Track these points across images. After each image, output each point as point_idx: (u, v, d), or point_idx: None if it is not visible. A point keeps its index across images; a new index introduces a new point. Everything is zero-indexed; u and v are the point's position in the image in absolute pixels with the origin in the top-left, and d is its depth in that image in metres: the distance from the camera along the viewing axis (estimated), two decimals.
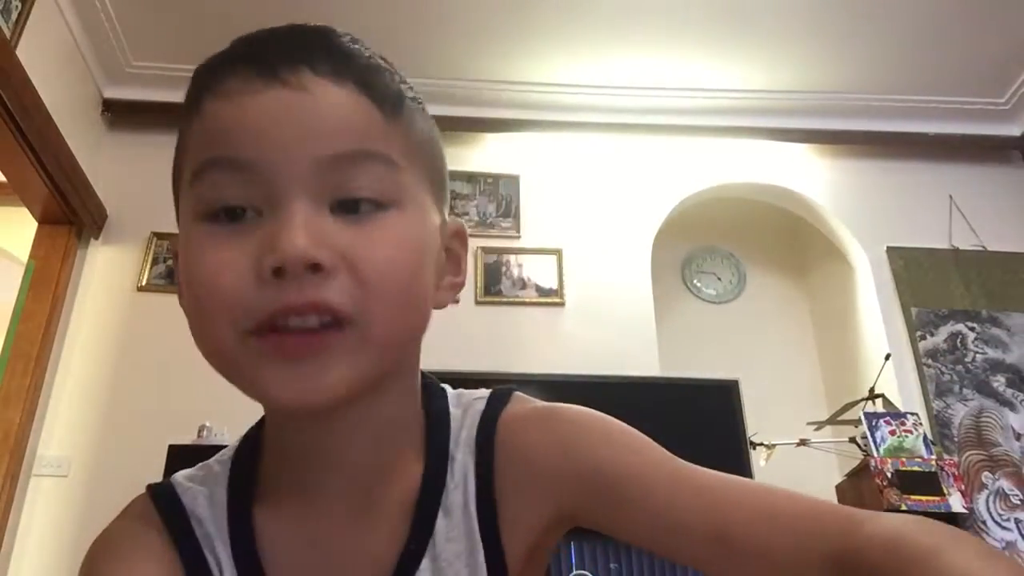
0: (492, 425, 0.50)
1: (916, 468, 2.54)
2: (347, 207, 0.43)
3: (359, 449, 0.48)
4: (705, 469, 0.48)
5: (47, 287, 2.84)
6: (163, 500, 0.52)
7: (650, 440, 0.50)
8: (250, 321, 0.41)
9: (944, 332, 3.13)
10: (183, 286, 0.47)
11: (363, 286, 0.42)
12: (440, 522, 0.48)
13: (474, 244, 3.16)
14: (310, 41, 0.48)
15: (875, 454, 2.61)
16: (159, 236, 3.08)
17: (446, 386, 0.55)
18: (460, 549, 0.47)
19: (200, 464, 0.54)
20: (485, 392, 0.54)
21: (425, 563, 0.47)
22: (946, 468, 2.55)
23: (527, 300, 3.08)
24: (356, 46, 0.49)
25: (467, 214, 3.23)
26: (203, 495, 0.51)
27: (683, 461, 0.49)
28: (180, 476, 0.54)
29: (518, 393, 0.54)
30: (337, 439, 0.48)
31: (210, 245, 0.43)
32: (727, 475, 0.47)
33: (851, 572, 0.39)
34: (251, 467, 0.51)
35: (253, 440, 0.53)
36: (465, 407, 0.53)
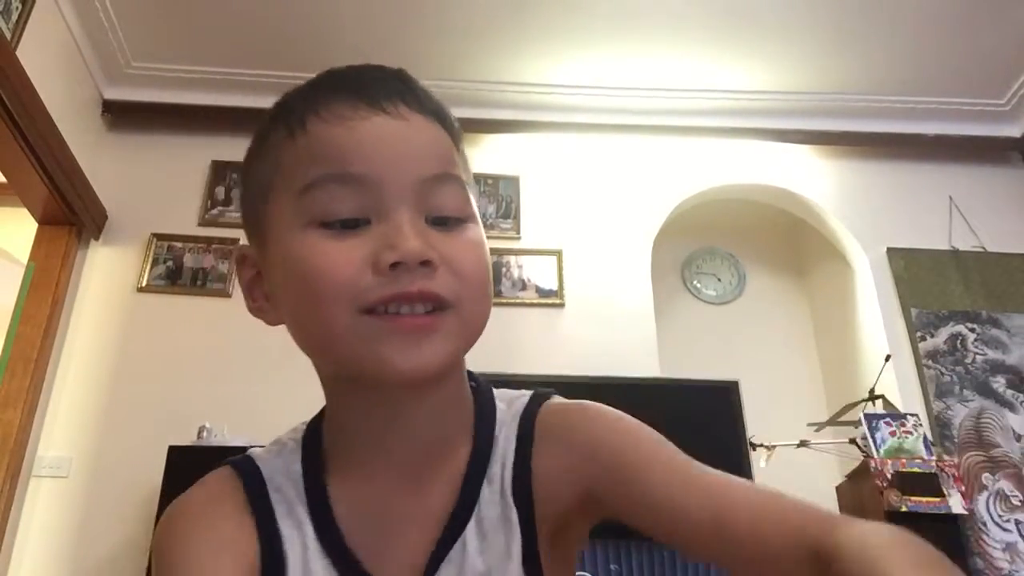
0: (533, 415, 0.59)
1: (916, 469, 2.54)
2: (438, 221, 0.53)
3: (423, 424, 0.56)
4: (711, 469, 0.55)
5: (47, 288, 2.84)
6: (245, 469, 0.58)
7: (667, 442, 0.57)
8: (366, 302, 0.49)
9: (944, 333, 3.13)
10: (281, 286, 0.54)
11: (460, 279, 0.52)
12: (484, 490, 0.56)
13: None
14: (398, 78, 0.57)
15: (875, 455, 2.61)
16: (159, 237, 3.08)
17: (491, 384, 0.64)
18: (498, 513, 0.55)
19: (274, 440, 0.62)
20: (527, 392, 0.62)
21: (471, 525, 0.55)
22: (946, 469, 2.55)
23: (527, 301, 3.08)
24: (426, 88, 0.59)
25: None
26: (280, 468, 0.58)
27: (694, 462, 0.56)
28: (258, 451, 0.61)
29: (556, 395, 0.62)
30: (408, 415, 0.55)
31: (328, 245, 0.51)
32: (730, 475, 0.54)
33: (824, 571, 0.44)
34: (318, 444, 0.59)
35: (316, 425, 0.61)
36: (509, 402, 0.61)
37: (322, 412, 0.62)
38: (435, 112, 0.57)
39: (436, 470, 0.57)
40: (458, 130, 0.60)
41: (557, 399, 0.61)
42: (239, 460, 0.60)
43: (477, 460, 0.57)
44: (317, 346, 0.54)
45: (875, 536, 0.45)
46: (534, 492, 0.56)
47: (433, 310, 0.51)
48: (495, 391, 0.63)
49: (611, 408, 0.59)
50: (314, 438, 0.60)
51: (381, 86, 0.55)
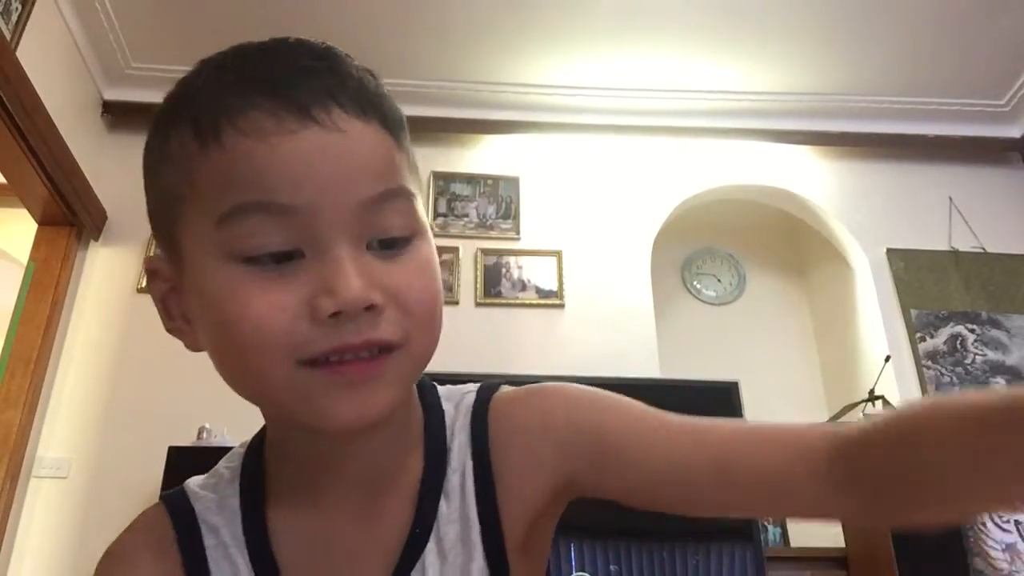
0: (484, 410, 0.54)
1: None
2: (383, 244, 0.46)
3: (372, 452, 0.51)
4: (690, 417, 0.53)
5: (47, 288, 2.84)
6: (175, 508, 0.53)
7: (631, 399, 0.54)
8: (306, 355, 0.44)
9: (944, 334, 3.13)
10: (202, 320, 0.48)
11: (408, 316, 0.46)
12: (442, 505, 0.51)
13: (474, 246, 3.16)
14: (327, 69, 0.46)
15: None
16: None
17: (434, 383, 0.59)
18: (457, 531, 0.51)
19: (211, 471, 0.57)
20: (472, 385, 0.57)
21: (430, 545, 0.50)
22: None
23: (527, 302, 3.08)
24: (361, 71, 0.49)
25: (467, 215, 3.23)
26: (215, 503, 0.53)
27: (670, 415, 0.53)
28: (193, 484, 0.56)
29: (504, 384, 0.57)
30: (354, 447, 0.51)
31: (254, 287, 0.44)
32: (708, 418, 0.52)
33: (853, 458, 0.44)
34: (259, 473, 0.54)
35: (257, 447, 0.55)
36: (456, 401, 0.56)
37: (261, 435, 0.56)
38: (374, 110, 0.48)
39: (387, 492, 0.52)
40: (399, 121, 0.51)
41: (506, 389, 0.56)
42: (171, 496, 0.55)
43: (431, 475, 0.52)
44: (249, 395, 0.48)
45: (878, 414, 0.46)
46: (498, 499, 0.51)
47: (379, 352, 0.45)
48: (439, 390, 0.57)
49: (570, 384, 0.55)
50: (253, 465, 0.55)
51: (308, 86, 0.45)
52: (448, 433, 0.54)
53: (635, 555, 2.34)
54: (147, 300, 2.49)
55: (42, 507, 2.63)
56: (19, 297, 2.84)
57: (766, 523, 3.07)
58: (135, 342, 2.89)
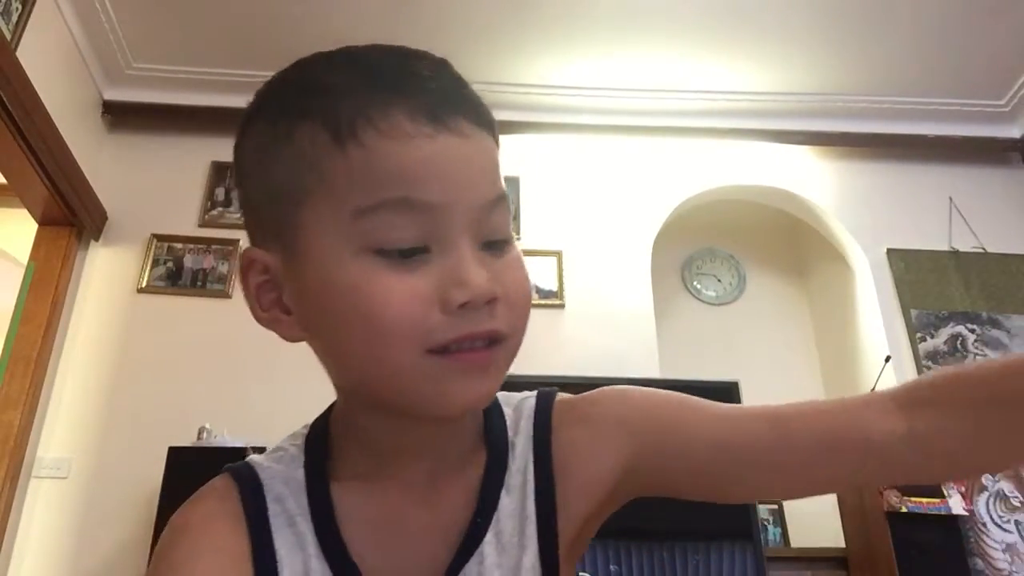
0: (547, 411, 0.57)
1: None
2: (489, 245, 0.50)
3: (444, 441, 0.55)
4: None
5: (47, 289, 2.84)
6: (242, 477, 0.55)
7: (688, 396, 0.58)
8: (435, 343, 0.47)
9: (944, 334, 3.13)
10: (325, 311, 0.49)
11: (513, 310, 0.50)
12: (504, 500, 0.54)
13: None
14: (455, 84, 0.52)
15: None
16: (159, 238, 3.08)
17: None
18: (515, 524, 0.53)
19: (274, 447, 0.58)
20: (530, 392, 0.60)
21: (489, 536, 0.53)
22: None
23: None
24: (465, 82, 0.53)
25: None
26: (280, 474, 0.55)
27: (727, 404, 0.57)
28: (257, 458, 0.57)
29: (561, 392, 0.61)
30: (436, 434, 0.54)
31: (390, 277, 0.47)
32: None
33: (915, 405, 0.51)
34: (324, 452, 0.56)
35: (322, 428, 0.58)
36: (514, 404, 0.59)
37: (324, 418, 0.59)
38: (488, 122, 0.52)
39: (451, 482, 0.55)
40: (497, 132, 0.54)
41: (565, 394, 0.60)
42: (238, 467, 0.56)
43: (494, 469, 0.55)
44: (373, 383, 0.50)
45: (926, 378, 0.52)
46: (557, 498, 0.54)
47: (490, 343, 0.49)
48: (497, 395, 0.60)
49: (621, 386, 0.59)
50: (318, 444, 0.57)
51: (438, 94, 0.49)
52: (510, 432, 0.57)
53: (635, 555, 2.34)
54: (147, 300, 2.49)
55: (42, 507, 2.63)
56: (19, 297, 2.84)
57: (766, 523, 3.07)
58: (135, 342, 2.90)
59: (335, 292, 0.48)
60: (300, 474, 0.55)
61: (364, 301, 0.47)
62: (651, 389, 0.58)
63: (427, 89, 0.49)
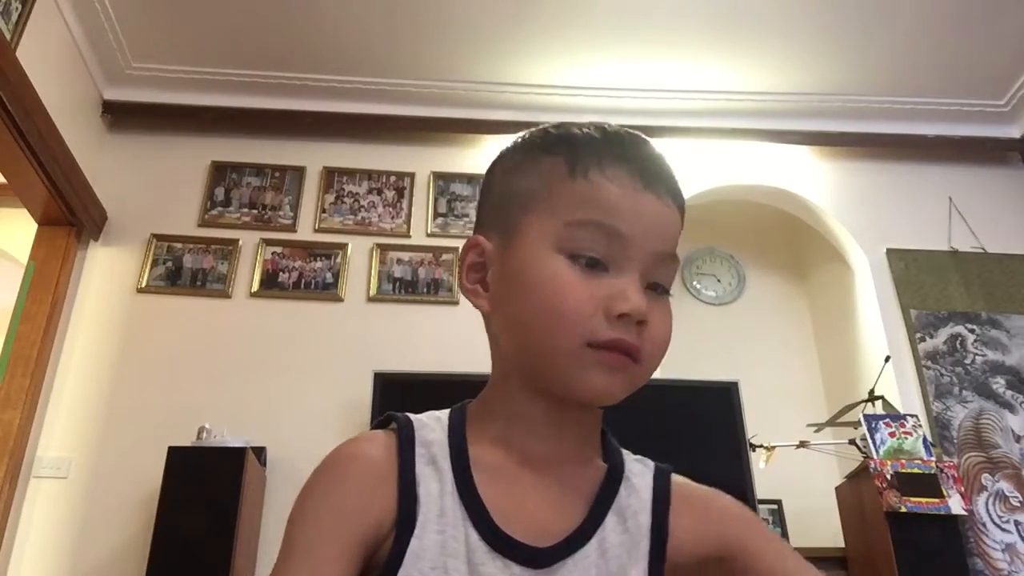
0: (667, 479, 0.68)
1: (916, 470, 2.54)
2: (651, 287, 0.63)
3: (574, 431, 0.66)
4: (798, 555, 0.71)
5: (47, 288, 2.84)
6: (399, 422, 0.65)
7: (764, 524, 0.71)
8: (594, 339, 0.59)
9: (944, 334, 3.13)
10: (518, 291, 0.63)
11: (652, 343, 0.61)
12: (610, 518, 0.63)
13: None
14: (666, 167, 0.67)
15: (875, 456, 2.61)
16: (159, 237, 3.08)
17: None
18: (620, 541, 0.63)
19: (419, 416, 0.68)
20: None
21: (593, 543, 0.61)
22: (946, 470, 2.55)
23: None
24: (671, 169, 0.67)
25: (467, 216, 3.23)
26: (429, 427, 0.65)
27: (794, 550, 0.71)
28: (414, 415, 0.68)
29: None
30: (569, 419, 0.65)
31: (576, 278, 0.60)
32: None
33: None
34: (463, 418, 0.66)
35: (461, 405, 0.69)
36: (630, 454, 0.71)
37: (462, 406, 0.69)
38: (680, 202, 0.66)
39: (572, 478, 0.65)
40: (684, 210, 0.68)
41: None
42: (397, 415, 0.67)
43: (608, 484, 0.65)
44: (534, 356, 0.62)
45: None
46: (668, 546, 0.64)
47: (628, 357, 0.60)
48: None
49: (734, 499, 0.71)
50: (458, 413, 0.67)
51: (656, 171, 0.65)
52: (627, 466, 0.68)
53: None
54: (147, 300, 2.48)
55: (42, 507, 2.63)
56: (19, 297, 2.84)
57: (766, 522, 3.07)
58: (135, 342, 2.90)
59: (531, 277, 0.61)
60: (443, 427, 0.65)
61: (551, 289, 0.60)
62: (755, 515, 0.71)
63: (645, 159, 0.65)
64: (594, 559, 0.61)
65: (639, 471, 0.68)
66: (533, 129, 0.72)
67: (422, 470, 0.61)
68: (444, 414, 0.67)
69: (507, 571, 0.58)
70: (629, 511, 0.64)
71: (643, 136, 0.69)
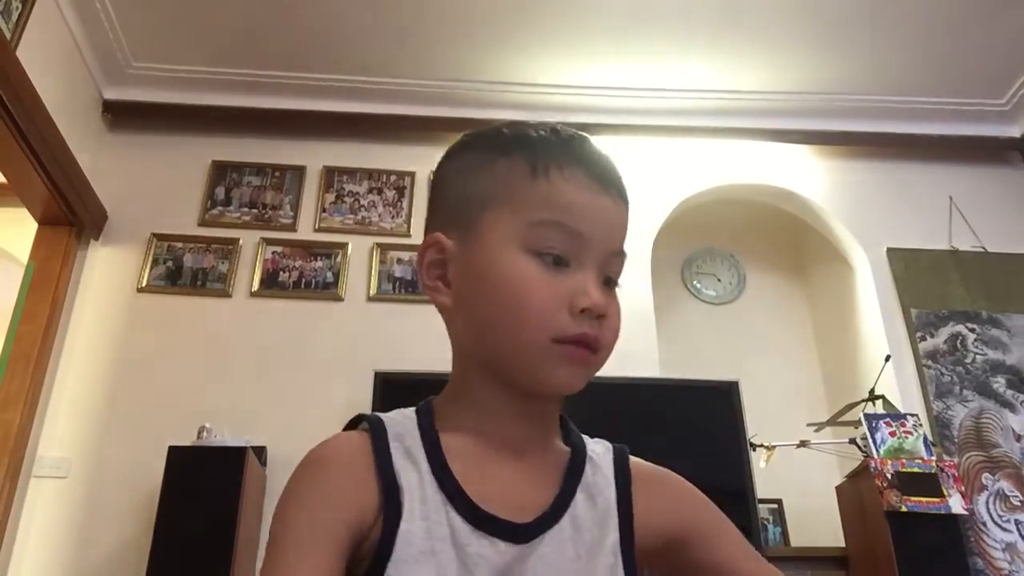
0: (625, 454, 0.73)
1: (916, 469, 2.54)
2: (605, 281, 0.66)
3: (537, 420, 0.69)
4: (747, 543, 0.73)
5: (47, 288, 2.84)
6: (370, 420, 0.67)
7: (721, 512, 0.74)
8: (560, 335, 0.63)
9: (944, 333, 3.13)
10: (482, 288, 0.65)
11: (608, 332, 0.66)
12: (579, 495, 0.67)
13: None
14: (617, 170, 0.71)
15: (875, 455, 2.61)
16: (159, 237, 3.08)
17: None
18: (594, 516, 0.67)
19: (387, 414, 0.70)
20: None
21: (567, 518, 0.65)
22: (946, 469, 2.55)
23: None
24: (619, 171, 0.72)
25: None
26: (398, 423, 0.67)
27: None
28: (381, 413, 0.70)
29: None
30: (533, 410, 0.68)
31: (541, 277, 0.63)
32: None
33: None
34: (430, 411, 0.69)
35: (426, 401, 0.71)
36: (591, 438, 0.74)
37: (427, 402, 0.71)
38: (626, 201, 0.70)
39: (537, 459, 0.68)
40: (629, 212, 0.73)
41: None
42: (367, 415, 0.69)
43: (575, 464, 0.69)
44: (500, 352, 0.65)
45: None
46: (635, 522, 0.68)
47: (590, 351, 0.65)
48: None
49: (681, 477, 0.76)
50: (425, 407, 0.70)
51: (611, 175, 0.69)
52: (589, 447, 0.72)
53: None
54: (147, 300, 2.48)
55: (42, 507, 2.63)
56: (19, 297, 2.84)
57: (766, 522, 3.07)
58: (135, 342, 2.90)
59: (497, 274, 0.64)
60: (413, 424, 0.67)
61: (518, 287, 0.63)
62: (709, 501, 0.74)
63: (599, 164, 0.69)
64: (569, 533, 0.64)
65: (600, 452, 0.72)
66: (482, 129, 0.75)
67: (400, 463, 0.63)
68: (410, 410, 0.69)
69: (493, 548, 0.61)
70: (596, 488, 0.68)
71: (589, 137, 0.73)
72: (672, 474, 0.74)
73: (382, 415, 0.68)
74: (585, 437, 0.73)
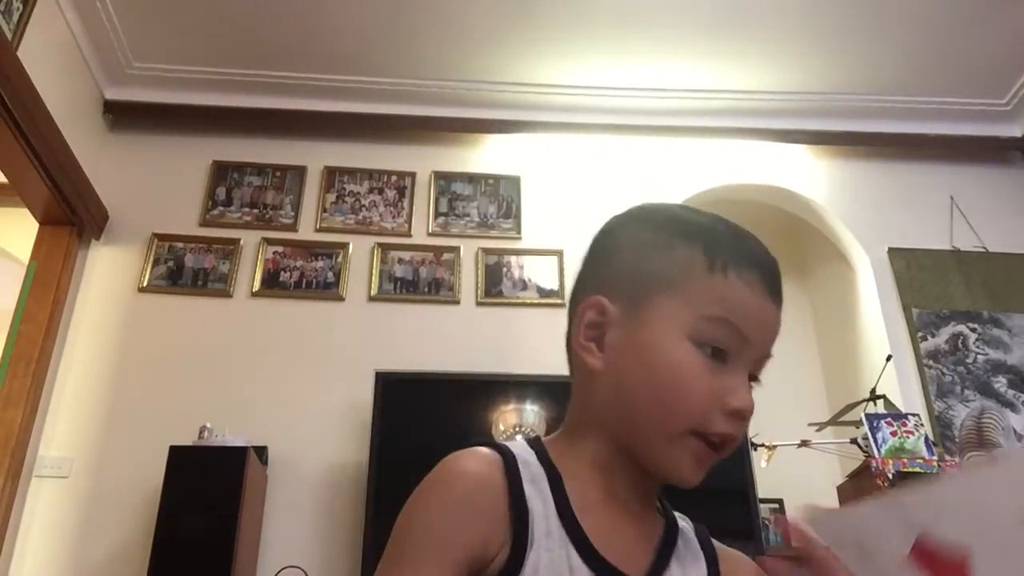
0: (706, 532, 0.75)
1: (917, 469, 2.54)
2: (751, 379, 0.67)
3: (650, 490, 0.71)
4: None
5: (48, 288, 2.84)
6: (502, 449, 0.67)
7: None
8: (703, 429, 0.64)
9: (945, 333, 3.13)
10: (641, 365, 0.66)
11: (743, 432, 0.66)
12: (674, 563, 0.68)
13: (475, 245, 3.17)
14: (779, 274, 0.71)
15: (876, 455, 2.61)
16: (160, 237, 3.08)
17: None
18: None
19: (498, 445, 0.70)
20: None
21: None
22: (947, 469, 2.55)
23: (528, 301, 3.08)
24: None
25: (468, 215, 3.23)
26: (521, 450, 0.68)
27: None
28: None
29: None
30: (646, 484, 0.69)
31: (703, 371, 0.64)
32: None
33: None
34: (546, 454, 0.69)
35: (538, 442, 0.71)
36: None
37: (538, 440, 0.72)
38: (782, 304, 0.71)
39: (646, 522, 0.70)
40: None
41: None
42: (494, 442, 0.69)
43: (669, 532, 0.71)
44: (637, 429, 0.66)
45: None
46: None
47: (719, 447, 0.65)
48: None
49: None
50: (542, 451, 0.70)
51: (779, 282, 0.70)
52: (680, 520, 0.73)
53: None
54: (148, 300, 2.48)
55: (43, 506, 2.63)
56: (20, 297, 2.85)
57: (767, 522, 3.07)
58: (136, 342, 2.90)
59: (661, 357, 0.65)
60: (532, 455, 0.68)
61: (679, 375, 0.64)
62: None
63: (771, 269, 0.69)
64: None
65: (685, 526, 0.74)
66: (658, 205, 0.77)
67: (529, 490, 0.64)
68: (522, 445, 0.70)
69: None
70: (687, 559, 0.70)
71: (774, 260, 0.72)
72: (746, 559, 0.75)
73: (504, 442, 0.69)
74: (668, 508, 0.75)
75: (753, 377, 0.68)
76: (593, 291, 0.71)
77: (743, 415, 0.64)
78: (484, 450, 0.67)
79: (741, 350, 0.65)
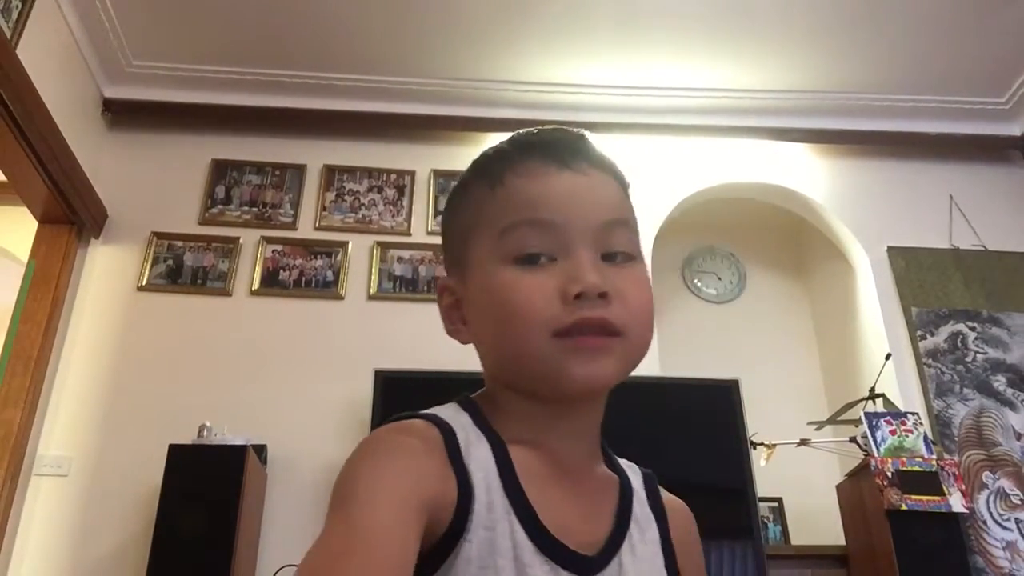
0: (655, 484, 0.72)
1: (917, 468, 2.54)
2: (609, 257, 0.62)
3: (578, 435, 0.66)
4: None
5: (47, 287, 2.84)
6: (428, 416, 0.63)
7: None
8: (558, 326, 0.58)
9: (944, 332, 3.13)
10: (480, 312, 0.64)
11: (629, 311, 0.61)
12: (633, 528, 0.65)
13: None
14: (580, 139, 0.67)
15: (876, 454, 2.61)
16: (159, 236, 3.08)
17: None
18: (646, 552, 0.65)
19: (423, 412, 0.65)
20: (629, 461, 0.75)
21: (625, 554, 0.63)
22: (947, 468, 2.55)
23: None
24: (590, 141, 0.68)
25: None
26: (450, 415, 0.63)
27: None
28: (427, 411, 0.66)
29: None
30: (573, 426, 0.65)
31: (523, 278, 0.60)
32: None
33: None
34: (483, 418, 0.64)
35: (469, 403, 0.66)
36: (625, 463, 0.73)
37: (467, 401, 0.67)
38: (609, 168, 0.67)
39: (592, 483, 0.66)
40: (624, 181, 0.69)
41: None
42: (424, 412, 0.64)
43: (625, 493, 0.68)
44: (512, 362, 0.62)
45: None
46: (674, 545, 0.68)
47: (606, 335, 0.60)
48: None
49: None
50: (475, 412, 0.65)
51: (566, 147, 0.65)
52: (630, 474, 0.70)
53: None
54: (148, 298, 2.49)
55: (43, 505, 2.63)
56: (19, 296, 2.84)
57: (766, 521, 3.07)
58: (135, 340, 2.90)
59: (487, 294, 0.62)
60: (468, 420, 0.63)
61: (505, 297, 0.60)
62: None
63: (555, 144, 0.65)
64: (628, 569, 0.62)
65: (634, 479, 0.70)
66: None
67: (467, 456, 0.59)
68: (454, 408, 0.65)
69: (554, 575, 0.57)
70: (644, 522, 0.67)
71: (560, 126, 0.69)
72: (686, 508, 0.73)
73: (436, 410, 0.64)
74: (616, 458, 0.71)
75: (615, 254, 0.63)
76: (443, 279, 0.69)
77: (587, 294, 0.58)
78: (416, 420, 0.61)
79: (563, 237, 0.60)
